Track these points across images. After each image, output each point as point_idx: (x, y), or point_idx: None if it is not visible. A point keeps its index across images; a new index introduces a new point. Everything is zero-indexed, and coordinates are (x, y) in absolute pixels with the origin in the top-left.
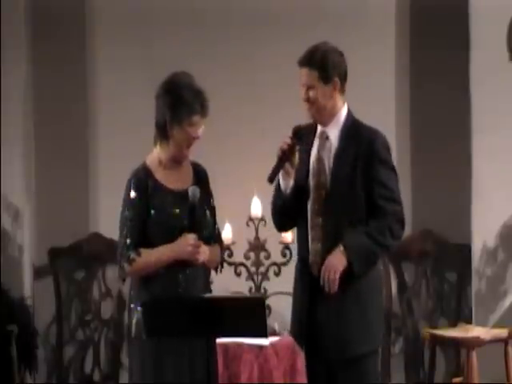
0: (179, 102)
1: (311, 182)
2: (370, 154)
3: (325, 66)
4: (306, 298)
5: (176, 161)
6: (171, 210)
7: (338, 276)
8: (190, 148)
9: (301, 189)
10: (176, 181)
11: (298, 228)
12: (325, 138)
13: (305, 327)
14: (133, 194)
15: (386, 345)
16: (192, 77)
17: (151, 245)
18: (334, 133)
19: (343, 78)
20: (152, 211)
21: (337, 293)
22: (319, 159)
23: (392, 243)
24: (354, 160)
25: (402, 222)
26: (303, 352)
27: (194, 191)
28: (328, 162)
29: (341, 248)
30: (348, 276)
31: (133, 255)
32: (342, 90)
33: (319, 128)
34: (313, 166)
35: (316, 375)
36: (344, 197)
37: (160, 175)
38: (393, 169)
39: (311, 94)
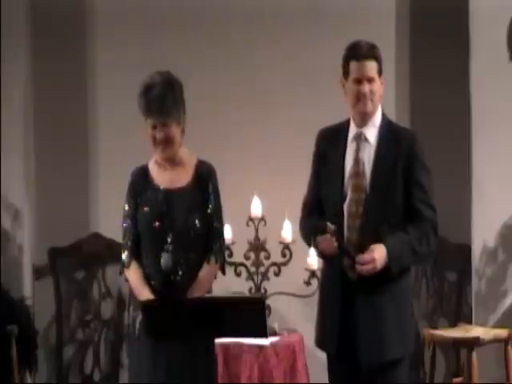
0: (139, 104)
1: (349, 184)
2: (410, 156)
3: (378, 56)
4: (339, 301)
5: (164, 158)
6: (157, 207)
7: (372, 271)
8: (167, 149)
9: (335, 193)
10: (171, 180)
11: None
12: (363, 139)
13: (336, 331)
14: (128, 191)
15: None
16: (164, 76)
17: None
18: (372, 134)
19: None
20: (141, 208)
21: (372, 295)
22: (358, 161)
23: (427, 252)
24: (394, 162)
25: (436, 230)
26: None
27: (166, 260)
28: (368, 164)
29: (385, 251)
30: (383, 278)
31: (125, 261)
32: None
33: (353, 129)
34: (350, 168)
35: (342, 380)
36: (383, 199)
37: (155, 174)
38: (430, 173)
39: (372, 87)
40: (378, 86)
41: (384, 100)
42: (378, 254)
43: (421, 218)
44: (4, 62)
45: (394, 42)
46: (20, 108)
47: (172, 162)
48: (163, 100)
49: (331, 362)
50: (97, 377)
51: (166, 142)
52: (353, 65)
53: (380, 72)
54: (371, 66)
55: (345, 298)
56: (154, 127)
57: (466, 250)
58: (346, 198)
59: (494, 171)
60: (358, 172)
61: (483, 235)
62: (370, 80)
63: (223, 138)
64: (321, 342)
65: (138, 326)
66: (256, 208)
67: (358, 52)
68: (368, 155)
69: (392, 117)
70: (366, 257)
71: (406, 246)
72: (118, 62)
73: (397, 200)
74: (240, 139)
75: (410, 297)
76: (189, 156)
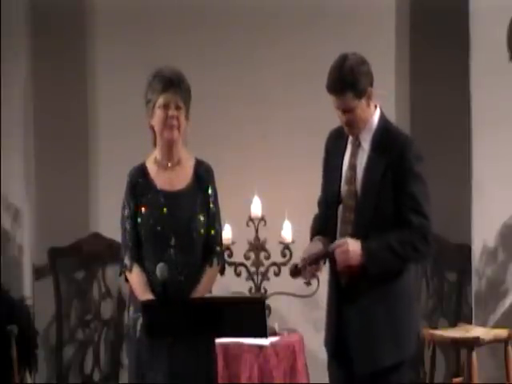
0: (151, 87)
1: (343, 189)
2: (401, 164)
3: (356, 83)
4: (334, 308)
5: (165, 153)
6: (159, 209)
7: (345, 260)
8: (174, 132)
9: (332, 196)
10: (171, 181)
11: (327, 235)
12: (357, 144)
13: (330, 336)
14: (126, 192)
15: None
16: (175, 68)
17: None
18: (366, 139)
19: (372, 82)
20: (140, 210)
21: (362, 300)
22: (352, 166)
23: (414, 257)
24: (385, 169)
25: (426, 238)
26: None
27: (161, 269)
28: (360, 170)
29: (359, 245)
30: (376, 283)
31: (127, 263)
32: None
33: None
34: (345, 174)
35: (339, 383)
36: (373, 207)
37: (154, 174)
38: (423, 181)
39: (351, 117)
40: (358, 112)
41: (384, 100)
42: (352, 245)
43: (410, 226)
44: (4, 61)
45: (394, 41)
46: (20, 108)
47: (172, 160)
48: (180, 79)
49: (329, 364)
50: (97, 377)
51: (178, 124)
52: (330, 95)
53: (361, 95)
54: (346, 99)
55: (339, 302)
56: (167, 106)
57: (466, 250)
58: (341, 202)
59: (493, 171)
60: (351, 178)
61: (483, 235)
62: (346, 111)
63: (223, 138)
64: (324, 343)
65: (138, 327)
66: (256, 208)
67: (331, 86)
68: (360, 161)
69: (392, 117)
70: (338, 241)
71: (384, 244)
72: (118, 62)
73: (387, 208)
74: (240, 139)
75: (408, 301)
76: (187, 156)
